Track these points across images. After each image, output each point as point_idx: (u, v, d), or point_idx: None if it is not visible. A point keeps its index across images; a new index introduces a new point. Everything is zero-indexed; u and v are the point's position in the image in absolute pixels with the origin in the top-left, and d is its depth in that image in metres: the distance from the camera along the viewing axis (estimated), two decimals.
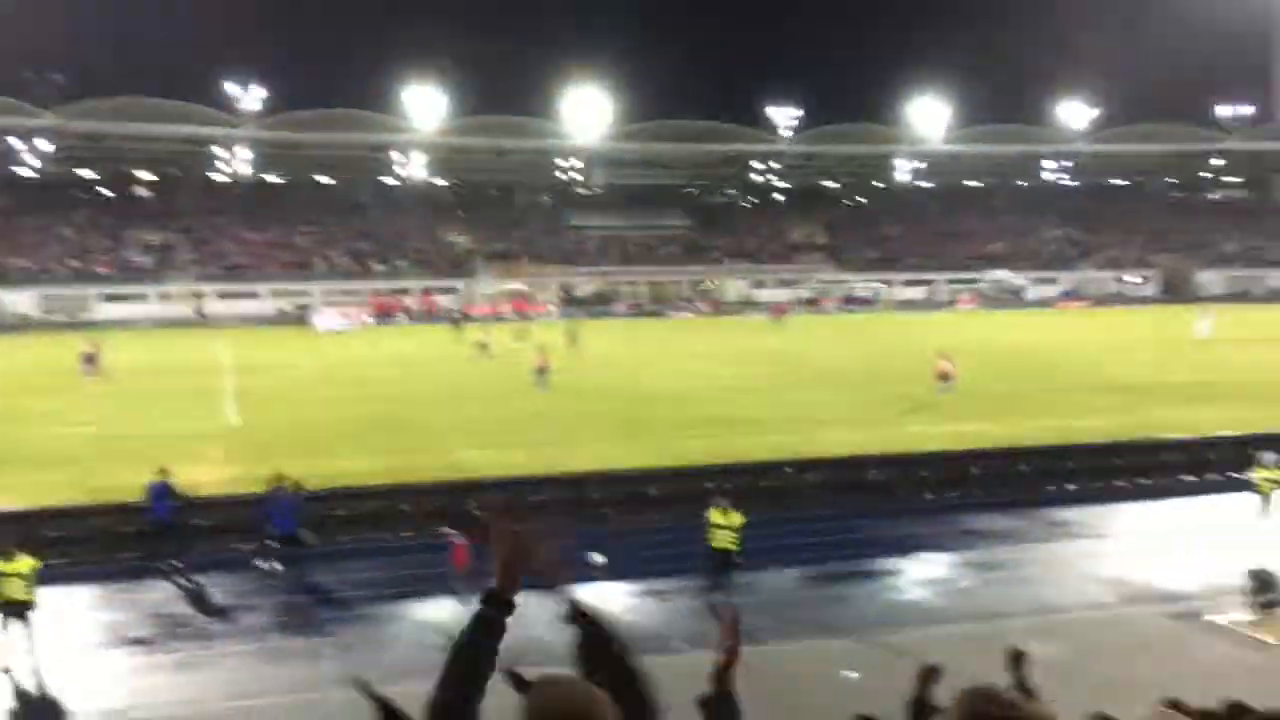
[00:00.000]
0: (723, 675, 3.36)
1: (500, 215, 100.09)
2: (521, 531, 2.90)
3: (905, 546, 19.77)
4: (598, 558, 18.17)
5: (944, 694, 3.76)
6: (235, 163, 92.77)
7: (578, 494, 21.66)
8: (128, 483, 20.22)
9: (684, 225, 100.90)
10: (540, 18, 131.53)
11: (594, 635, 2.97)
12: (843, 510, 22.10)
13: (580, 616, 3.00)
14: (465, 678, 2.73)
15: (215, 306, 78.32)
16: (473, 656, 2.76)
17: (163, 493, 18.72)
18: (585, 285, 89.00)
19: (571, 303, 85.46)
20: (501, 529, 2.91)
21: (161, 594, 17.55)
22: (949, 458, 24.28)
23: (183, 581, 17.95)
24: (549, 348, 39.81)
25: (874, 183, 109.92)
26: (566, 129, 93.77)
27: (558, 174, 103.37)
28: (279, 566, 18.34)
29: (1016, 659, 7.15)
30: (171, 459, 20.38)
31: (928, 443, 25.98)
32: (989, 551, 19.41)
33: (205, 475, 22.49)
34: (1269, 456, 19.71)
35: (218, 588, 17.72)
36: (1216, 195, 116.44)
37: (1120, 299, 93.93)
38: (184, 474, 19.91)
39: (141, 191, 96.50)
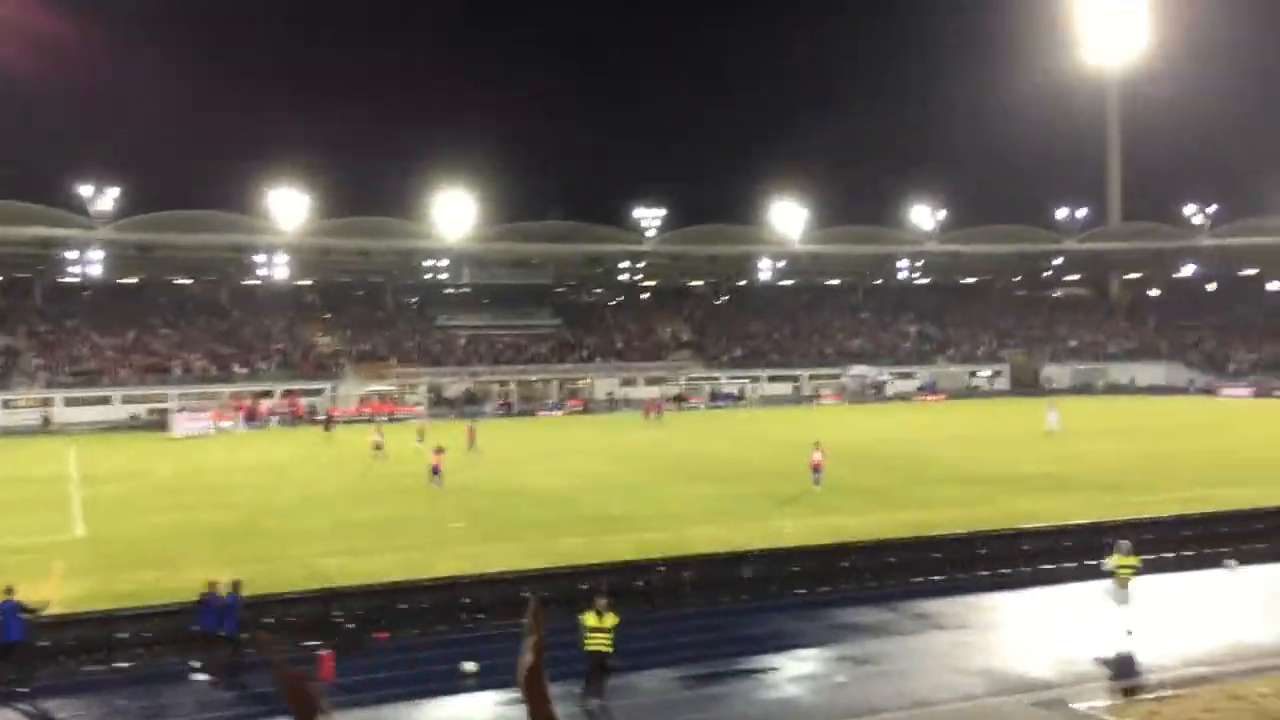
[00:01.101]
0: (534, 680, 2.87)
1: (366, 315, 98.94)
2: (296, 673, 2.81)
3: (779, 643, 19.79)
4: (469, 665, 17.76)
5: None
6: (87, 265, 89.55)
7: (448, 598, 21.17)
8: None
9: (553, 324, 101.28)
10: (403, 119, 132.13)
11: None
12: (717, 607, 22.11)
13: None
14: None
15: (64, 413, 74.95)
16: None
17: (12, 611, 17.53)
18: (454, 385, 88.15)
19: (440, 403, 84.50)
20: (277, 667, 2.82)
21: None
22: (820, 552, 24.53)
23: (25, 708, 16.82)
24: (444, 447, 39.50)
25: (738, 281, 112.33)
26: (432, 229, 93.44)
27: (424, 274, 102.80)
28: (205, 676, 17.66)
29: None
30: (12, 576, 19.19)
31: (798, 537, 26.25)
32: (860, 646, 19.57)
33: (49, 592, 21.23)
34: (1124, 544, 20.42)
35: (64, 713, 16.64)
36: (1058, 293, 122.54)
37: (974, 392, 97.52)
38: (26, 592, 18.75)
39: None
